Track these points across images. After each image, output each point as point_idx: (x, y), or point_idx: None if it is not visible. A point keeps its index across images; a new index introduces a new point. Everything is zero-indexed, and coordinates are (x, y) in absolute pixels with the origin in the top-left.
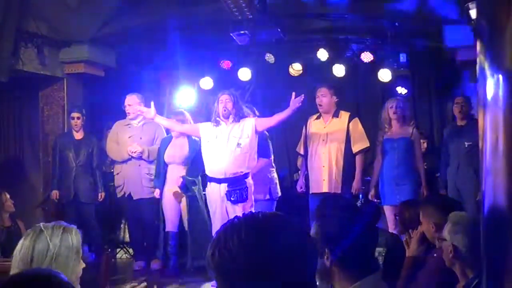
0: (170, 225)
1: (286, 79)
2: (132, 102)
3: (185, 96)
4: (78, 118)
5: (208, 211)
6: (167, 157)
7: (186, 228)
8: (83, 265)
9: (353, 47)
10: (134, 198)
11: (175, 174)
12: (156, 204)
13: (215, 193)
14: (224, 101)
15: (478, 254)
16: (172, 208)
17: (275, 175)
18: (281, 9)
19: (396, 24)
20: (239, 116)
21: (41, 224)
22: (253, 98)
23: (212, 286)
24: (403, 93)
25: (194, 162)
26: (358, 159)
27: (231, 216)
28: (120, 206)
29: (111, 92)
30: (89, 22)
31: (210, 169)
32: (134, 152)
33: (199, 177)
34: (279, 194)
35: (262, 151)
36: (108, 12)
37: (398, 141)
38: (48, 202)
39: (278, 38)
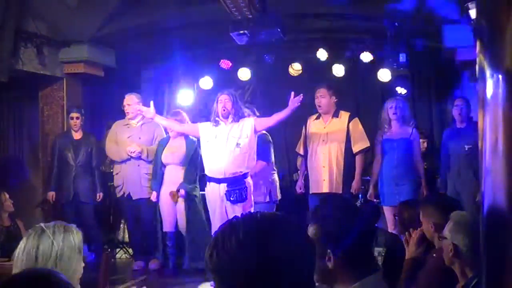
0: (168, 225)
1: (286, 79)
2: (131, 102)
3: (184, 96)
4: (77, 118)
5: (205, 211)
6: (164, 158)
7: (180, 229)
8: (83, 264)
9: (353, 47)
10: (134, 198)
11: (173, 175)
12: (155, 204)
13: (214, 193)
14: (223, 101)
15: (478, 254)
16: (170, 209)
17: (276, 178)
18: (281, 9)
19: (396, 24)
20: (238, 116)
21: (42, 224)
22: (253, 98)
23: (211, 286)
24: (403, 93)
25: (192, 163)
26: (358, 159)
27: (231, 216)
28: (120, 206)
29: (111, 92)
30: (89, 22)
31: (210, 169)
32: (133, 152)
33: (198, 178)
34: (280, 197)
35: (260, 154)
36: (108, 12)
37: (397, 141)
38: (47, 202)
39: (277, 38)
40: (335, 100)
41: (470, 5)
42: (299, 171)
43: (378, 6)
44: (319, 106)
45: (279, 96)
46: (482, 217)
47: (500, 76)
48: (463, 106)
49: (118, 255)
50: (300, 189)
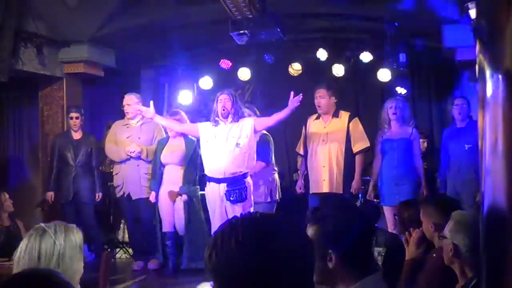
0: (167, 225)
1: (285, 79)
2: (130, 102)
3: (184, 96)
4: (77, 118)
5: (204, 211)
6: (163, 158)
7: (177, 229)
8: (83, 264)
9: (353, 47)
10: (133, 198)
11: (173, 175)
12: (154, 204)
13: (214, 193)
14: (223, 100)
15: (478, 254)
16: (169, 208)
17: (276, 177)
18: (281, 9)
19: (396, 24)
20: (238, 116)
21: (42, 224)
22: (253, 98)
23: (210, 286)
24: (403, 93)
25: (192, 163)
26: (358, 159)
27: (230, 216)
28: (119, 206)
29: (111, 92)
30: (89, 22)
31: (209, 169)
32: (133, 152)
33: (197, 178)
34: (280, 197)
35: (260, 154)
36: (108, 12)
37: (397, 141)
38: (47, 202)
39: (277, 38)
40: (335, 101)
41: (470, 5)
42: (299, 171)
43: (378, 6)
44: (319, 107)
45: (279, 96)
46: (482, 217)
47: (500, 76)
48: (463, 106)
49: (118, 255)
50: (300, 189)
